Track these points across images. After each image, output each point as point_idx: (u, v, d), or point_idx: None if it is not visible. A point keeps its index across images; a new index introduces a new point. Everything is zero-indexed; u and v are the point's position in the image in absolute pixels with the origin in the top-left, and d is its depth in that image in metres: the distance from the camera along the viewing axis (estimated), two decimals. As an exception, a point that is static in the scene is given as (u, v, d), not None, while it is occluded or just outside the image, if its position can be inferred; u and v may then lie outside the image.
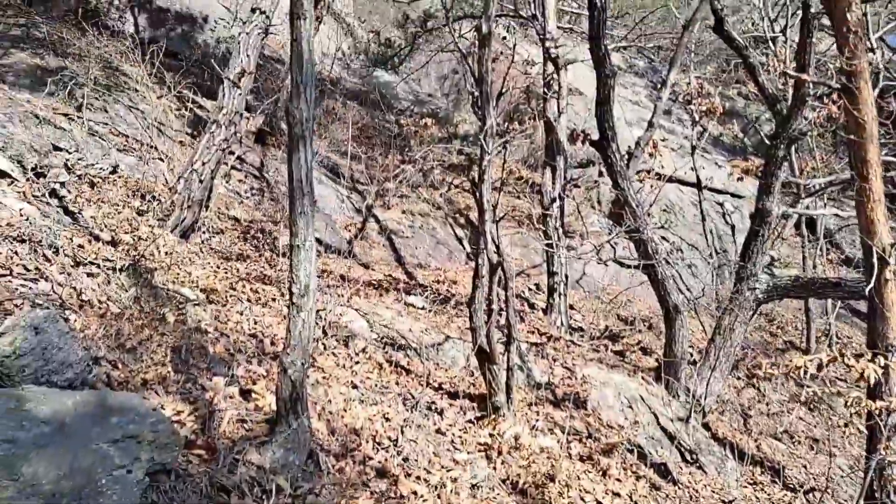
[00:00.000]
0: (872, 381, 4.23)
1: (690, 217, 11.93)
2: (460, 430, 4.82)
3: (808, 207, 9.14)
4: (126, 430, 2.30)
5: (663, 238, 11.37)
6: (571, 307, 9.36)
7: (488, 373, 5.13)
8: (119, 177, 6.56)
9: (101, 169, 6.51)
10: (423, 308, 7.46)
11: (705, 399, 7.22)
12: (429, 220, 9.76)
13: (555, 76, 8.76)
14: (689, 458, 6.41)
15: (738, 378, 8.89)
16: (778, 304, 11.01)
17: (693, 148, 10.39)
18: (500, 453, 4.60)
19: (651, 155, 8.65)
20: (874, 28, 8.07)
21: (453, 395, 5.32)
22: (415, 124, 10.10)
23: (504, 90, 7.88)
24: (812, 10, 6.57)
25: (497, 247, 5.12)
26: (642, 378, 7.29)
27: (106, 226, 5.25)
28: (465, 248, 9.86)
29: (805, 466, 7.40)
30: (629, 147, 8.91)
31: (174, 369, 3.53)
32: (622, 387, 6.92)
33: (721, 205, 12.81)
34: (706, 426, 7.27)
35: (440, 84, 12.92)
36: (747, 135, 14.45)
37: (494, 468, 4.45)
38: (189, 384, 3.48)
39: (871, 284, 5.11)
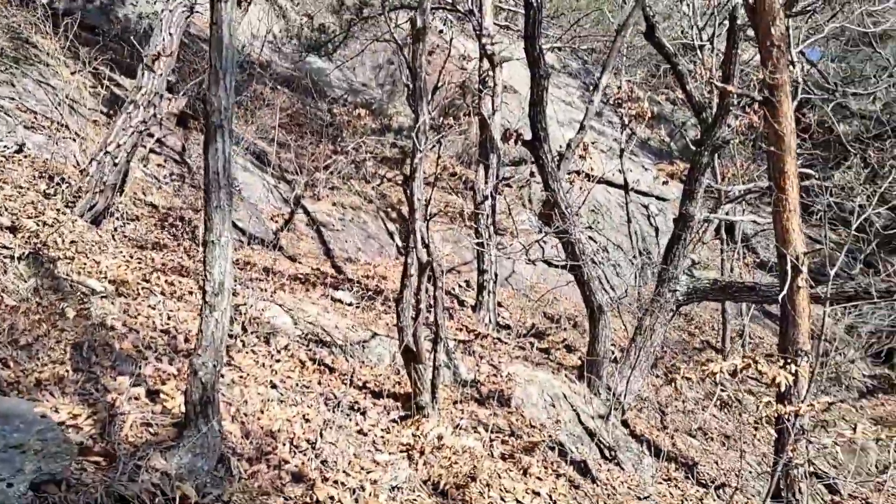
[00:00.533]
0: (783, 388, 4.39)
1: (617, 218, 12.18)
2: (383, 430, 4.73)
3: (728, 213, 9.48)
4: (9, 440, 2.09)
5: (590, 238, 11.57)
6: (500, 305, 9.40)
7: (414, 372, 5.05)
8: (25, 156, 6.12)
9: (4, 147, 6.06)
10: (350, 304, 7.31)
11: (625, 397, 7.38)
12: (360, 214, 9.58)
13: (490, 73, 8.74)
14: (607, 454, 6.53)
15: (657, 376, 9.14)
16: (696, 305, 11.39)
17: (622, 150, 10.60)
18: (422, 454, 4.53)
19: (582, 157, 8.77)
20: (795, 42, 8.38)
21: (377, 395, 5.21)
22: (348, 114, 9.89)
23: (440, 84, 7.79)
24: (738, 22, 6.76)
25: (427, 246, 5.04)
26: (566, 376, 7.38)
27: (7, 209, 4.87)
28: (396, 243, 9.74)
29: (717, 462, 7.67)
30: (560, 147, 8.99)
31: (73, 368, 3.29)
32: (546, 385, 6.98)
33: (647, 207, 13.14)
34: (625, 423, 7.42)
35: (375, 74, 12.71)
36: (674, 139, 14.89)
37: (416, 469, 4.38)
38: (89, 384, 3.24)
39: (785, 291, 5.30)
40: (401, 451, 4.49)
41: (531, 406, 6.64)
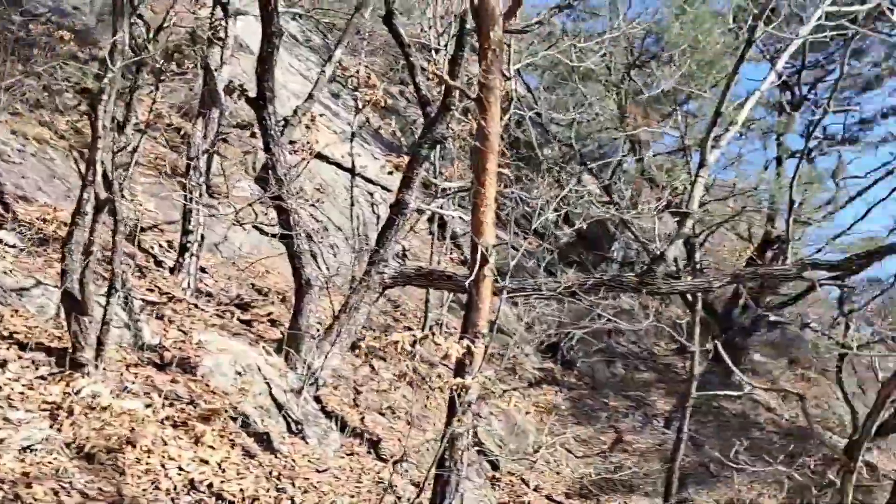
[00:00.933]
0: (454, 359, 4.70)
1: (342, 201, 12.26)
2: (25, 385, 4.07)
3: (441, 207, 10.07)
4: None
5: (312, 216, 11.48)
6: (204, 270, 8.82)
7: (76, 323, 4.45)
8: None
9: None
10: (14, 246, 6.27)
11: (321, 372, 7.41)
12: (46, 149, 8.24)
13: (223, 23, 8.17)
14: (294, 428, 6.49)
15: (357, 356, 9.34)
16: (404, 293, 11.94)
17: (353, 134, 10.70)
18: (70, 414, 3.99)
19: (308, 128, 8.63)
20: (515, 63, 9.21)
21: (25, 347, 4.47)
22: (48, 34, 8.48)
23: (165, 25, 7.12)
24: (468, 26, 7.22)
25: (110, 182, 4.47)
26: (263, 348, 7.19)
27: None
28: (89, 189, 8.55)
29: (400, 440, 8.08)
30: (289, 116, 8.75)
31: None
32: (240, 355, 6.73)
33: (372, 194, 13.45)
34: (318, 399, 7.46)
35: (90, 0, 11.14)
36: (405, 135, 15.51)
37: (59, 430, 3.83)
38: None
39: (472, 278, 5.72)
40: (42, 410, 3.89)
41: (220, 376, 6.34)
